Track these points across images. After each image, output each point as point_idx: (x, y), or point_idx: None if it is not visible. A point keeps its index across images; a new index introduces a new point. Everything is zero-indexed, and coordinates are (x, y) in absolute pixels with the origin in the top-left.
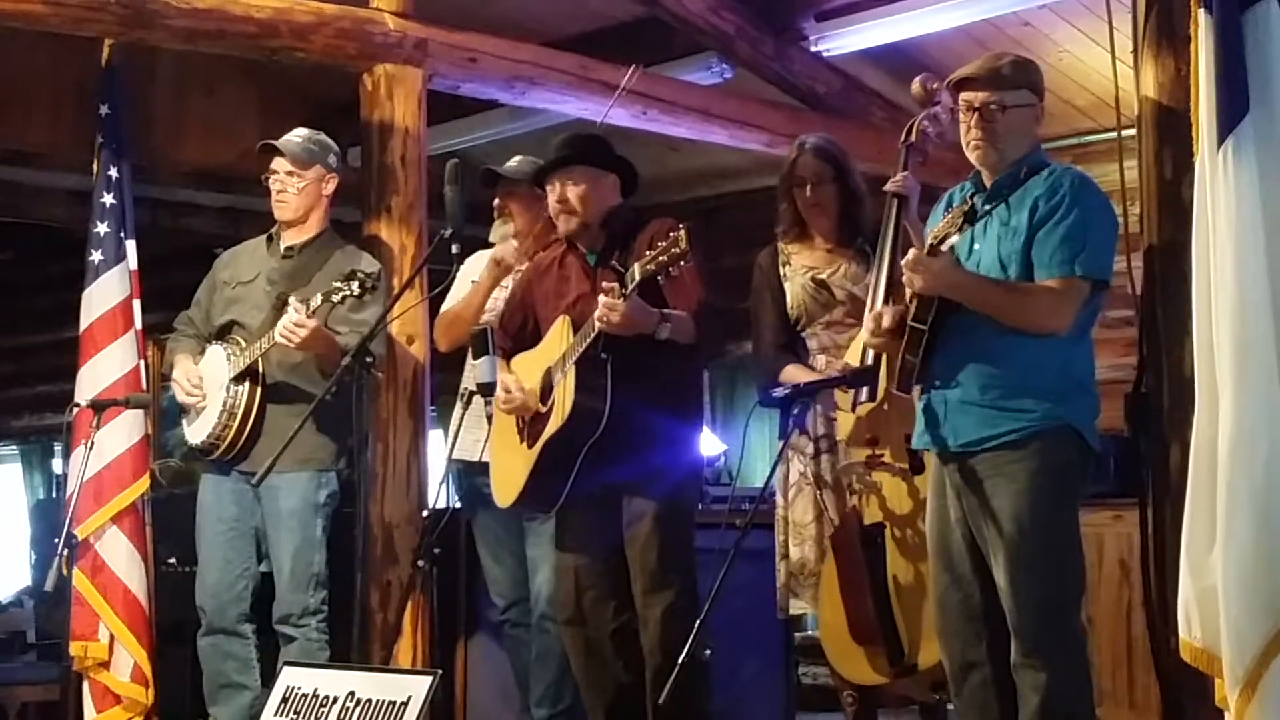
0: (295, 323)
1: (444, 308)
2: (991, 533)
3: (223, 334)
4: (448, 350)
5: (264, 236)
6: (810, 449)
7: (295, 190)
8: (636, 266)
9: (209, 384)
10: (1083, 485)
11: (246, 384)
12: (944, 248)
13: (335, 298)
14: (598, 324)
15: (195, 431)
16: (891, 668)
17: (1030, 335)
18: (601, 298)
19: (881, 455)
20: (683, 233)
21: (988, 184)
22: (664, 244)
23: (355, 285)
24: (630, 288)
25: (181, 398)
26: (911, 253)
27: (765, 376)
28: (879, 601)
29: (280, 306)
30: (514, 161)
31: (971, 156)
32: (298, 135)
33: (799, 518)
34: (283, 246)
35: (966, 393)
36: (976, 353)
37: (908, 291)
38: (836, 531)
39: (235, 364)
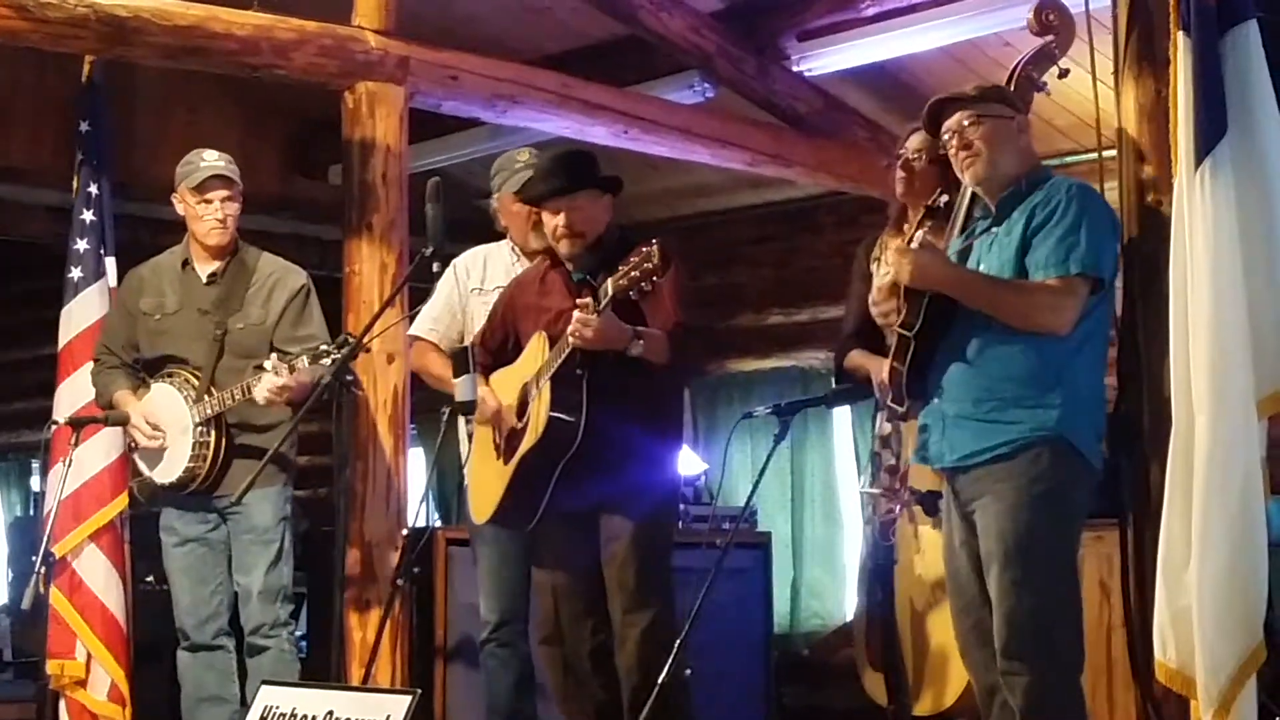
0: (280, 387)
1: (422, 313)
2: (983, 551)
3: (159, 367)
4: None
5: (174, 262)
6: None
7: (235, 216)
8: (610, 282)
9: (168, 424)
10: (1078, 502)
11: (214, 423)
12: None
13: (324, 361)
14: (571, 339)
15: (163, 472)
16: (890, 702)
17: (1030, 337)
18: (575, 313)
19: (898, 487)
20: (655, 248)
21: (992, 205)
22: (636, 259)
23: (340, 346)
24: (604, 303)
25: (144, 442)
26: (896, 242)
27: (836, 362)
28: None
29: (223, 337)
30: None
31: (966, 179)
32: (222, 159)
33: None
34: (204, 274)
35: (961, 406)
36: (971, 364)
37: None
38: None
39: (200, 409)
